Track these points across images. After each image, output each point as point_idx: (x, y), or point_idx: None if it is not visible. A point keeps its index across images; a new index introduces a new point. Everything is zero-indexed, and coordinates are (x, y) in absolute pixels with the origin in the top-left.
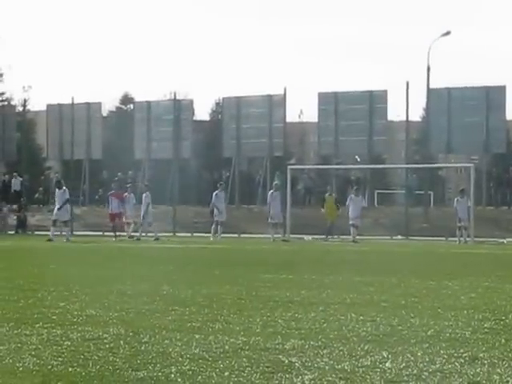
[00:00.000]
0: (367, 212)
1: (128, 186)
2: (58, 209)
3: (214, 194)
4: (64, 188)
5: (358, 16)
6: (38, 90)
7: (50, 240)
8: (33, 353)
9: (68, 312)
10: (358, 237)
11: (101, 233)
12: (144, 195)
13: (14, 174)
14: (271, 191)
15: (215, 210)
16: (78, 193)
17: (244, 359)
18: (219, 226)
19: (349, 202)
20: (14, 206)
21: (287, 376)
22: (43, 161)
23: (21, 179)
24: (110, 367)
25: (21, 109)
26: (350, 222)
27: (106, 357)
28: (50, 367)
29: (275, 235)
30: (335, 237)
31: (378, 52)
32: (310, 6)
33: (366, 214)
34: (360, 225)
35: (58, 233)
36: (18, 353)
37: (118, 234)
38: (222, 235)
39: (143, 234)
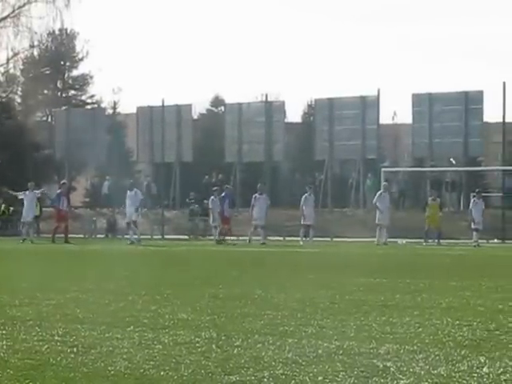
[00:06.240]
0: (463, 215)
1: (214, 189)
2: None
3: (303, 197)
4: (135, 190)
5: (451, 15)
6: (128, 93)
7: (132, 243)
8: (124, 356)
9: (159, 316)
10: (453, 241)
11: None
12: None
13: (107, 177)
14: (380, 192)
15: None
16: (169, 196)
17: (338, 364)
18: (310, 230)
19: (472, 206)
20: (104, 210)
21: (382, 381)
22: (133, 164)
23: (109, 183)
24: (203, 371)
25: (111, 111)
26: (473, 227)
27: (198, 361)
28: (141, 371)
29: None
30: (429, 241)
31: (474, 51)
32: (402, 6)
33: (462, 217)
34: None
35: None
36: (109, 356)
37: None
38: (314, 239)
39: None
